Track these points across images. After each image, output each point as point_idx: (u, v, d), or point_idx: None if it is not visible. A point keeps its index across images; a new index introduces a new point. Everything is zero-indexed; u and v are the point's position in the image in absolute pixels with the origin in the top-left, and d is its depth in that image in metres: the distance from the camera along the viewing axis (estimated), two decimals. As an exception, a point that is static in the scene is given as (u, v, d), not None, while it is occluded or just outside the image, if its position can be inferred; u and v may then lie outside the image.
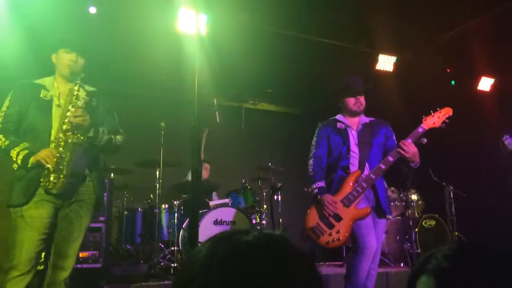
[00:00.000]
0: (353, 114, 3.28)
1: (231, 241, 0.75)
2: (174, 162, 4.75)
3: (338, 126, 3.27)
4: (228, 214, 4.82)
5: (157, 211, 4.63)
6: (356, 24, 5.44)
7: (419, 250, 5.15)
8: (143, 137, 5.05)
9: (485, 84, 6.17)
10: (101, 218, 3.93)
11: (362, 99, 3.27)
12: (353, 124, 3.28)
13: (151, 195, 4.96)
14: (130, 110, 6.14)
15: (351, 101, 3.24)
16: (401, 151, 2.96)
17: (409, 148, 2.95)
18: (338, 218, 3.03)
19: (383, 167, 3.02)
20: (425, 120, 3.06)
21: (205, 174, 5.61)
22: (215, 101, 5.06)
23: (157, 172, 4.64)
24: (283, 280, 0.70)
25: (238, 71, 6.14)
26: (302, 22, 5.30)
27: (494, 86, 6.18)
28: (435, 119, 3.04)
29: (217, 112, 5.03)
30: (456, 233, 5.67)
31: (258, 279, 0.68)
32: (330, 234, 3.04)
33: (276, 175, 5.58)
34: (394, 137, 3.29)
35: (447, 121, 3.05)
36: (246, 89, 6.97)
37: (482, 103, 6.37)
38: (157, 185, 4.62)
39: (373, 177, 3.04)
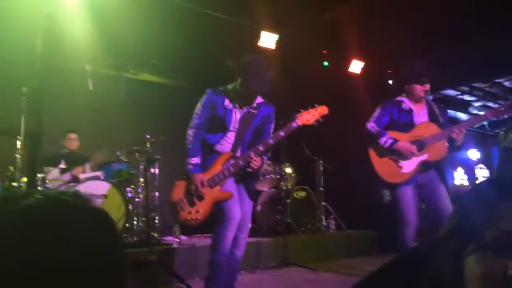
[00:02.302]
0: (246, 98, 3.23)
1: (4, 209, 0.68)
2: (38, 131, 4.35)
3: (225, 103, 3.20)
4: (99, 187, 4.62)
5: (18, 185, 4.22)
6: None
7: (289, 220, 5.47)
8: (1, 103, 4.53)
9: (356, 66, 6.65)
10: None
11: None
12: (239, 106, 3.22)
13: (11, 168, 4.49)
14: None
15: (251, 89, 3.17)
16: (249, 164, 3.09)
17: (255, 164, 3.08)
18: (200, 198, 3.09)
19: (252, 155, 3.12)
20: (301, 115, 3.17)
21: (71, 144, 5.24)
22: (87, 67, 4.74)
23: (18, 142, 4.20)
24: (63, 243, 0.65)
25: (120, 38, 5.79)
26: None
27: (364, 69, 6.69)
28: (309, 116, 3.16)
29: (89, 79, 4.73)
30: (323, 203, 6.14)
31: (33, 245, 0.63)
32: (189, 212, 3.09)
33: (155, 148, 5.43)
34: (272, 125, 3.34)
35: (321, 120, 3.19)
36: (128, 58, 6.62)
37: (353, 84, 6.89)
38: (18, 156, 4.19)
39: (241, 163, 3.11)
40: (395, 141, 3.60)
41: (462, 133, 3.52)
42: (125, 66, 6.76)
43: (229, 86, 3.28)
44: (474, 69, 7.03)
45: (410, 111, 3.73)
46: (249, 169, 3.11)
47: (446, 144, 3.63)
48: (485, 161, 11.06)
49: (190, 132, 3.17)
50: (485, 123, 10.76)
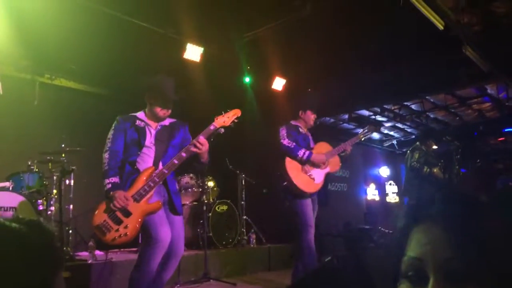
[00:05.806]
0: (158, 119, 3.29)
1: None
2: None
3: (137, 123, 3.24)
4: (8, 199, 4.29)
5: None
6: (166, 9, 5.40)
7: (210, 234, 5.45)
8: None
9: (278, 84, 6.87)
10: None
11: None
12: (153, 124, 3.29)
13: None
14: None
15: (158, 109, 3.25)
16: (194, 149, 3.09)
17: (203, 145, 3.10)
18: (127, 214, 2.97)
19: (176, 162, 3.09)
20: (217, 119, 3.26)
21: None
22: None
23: None
24: None
25: (36, 39, 5.44)
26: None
27: (285, 86, 6.93)
28: (225, 119, 3.26)
29: (-1, 83, 4.41)
30: (245, 217, 6.20)
31: None
32: (117, 230, 2.94)
33: (71, 158, 5.16)
34: (190, 140, 3.38)
35: (236, 120, 3.31)
36: (43, 61, 6.24)
37: (276, 101, 7.11)
38: None
39: (166, 171, 3.08)
40: (311, 153, 4.08)
41: (349, 148, 4.26)
42: (40, 70, 6.36)
43: (139, 111, 3.35)
44: (385, 92, 7.60)
45: (306, 135, 4.28)
46: (196, 150, 3.09)
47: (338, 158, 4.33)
48: (394, 177, 11.89)
49: (106, 155, 3.12)
50: (394, 142, 11.60)
